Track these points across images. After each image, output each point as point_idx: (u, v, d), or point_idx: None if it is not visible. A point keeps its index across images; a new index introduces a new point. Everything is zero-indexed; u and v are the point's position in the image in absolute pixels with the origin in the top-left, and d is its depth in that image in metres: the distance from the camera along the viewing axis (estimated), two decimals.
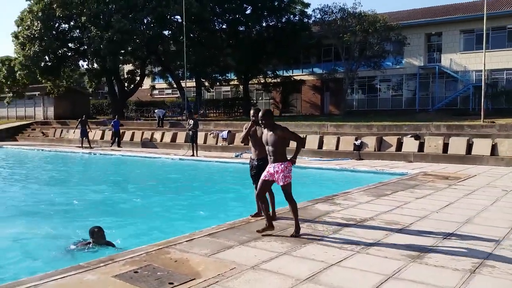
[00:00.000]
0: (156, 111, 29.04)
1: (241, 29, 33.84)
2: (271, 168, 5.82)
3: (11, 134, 32.78)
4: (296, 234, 5.81)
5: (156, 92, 47.31)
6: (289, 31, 32.15)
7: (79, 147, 24.35)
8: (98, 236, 6.51)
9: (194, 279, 4.33)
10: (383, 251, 5.25)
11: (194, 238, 5.75)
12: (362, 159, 16.52)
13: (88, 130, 24.84)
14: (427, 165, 14.58)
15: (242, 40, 32.50)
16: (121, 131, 25.43)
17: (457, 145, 15.48)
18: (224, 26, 34.20)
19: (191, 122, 18.94)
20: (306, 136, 19.06)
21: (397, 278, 4.38)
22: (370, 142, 17.20)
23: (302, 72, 37.82)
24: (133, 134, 25.90)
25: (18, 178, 15.50)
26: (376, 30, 28.66)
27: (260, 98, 41.23)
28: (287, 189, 5.81)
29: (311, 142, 18.61)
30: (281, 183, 5.77)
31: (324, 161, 16.49)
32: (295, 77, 37.56)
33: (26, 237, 7.44)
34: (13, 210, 9.72)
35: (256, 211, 6.97)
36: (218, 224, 6.55)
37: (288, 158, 5.85)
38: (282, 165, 5.73)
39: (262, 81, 37.33)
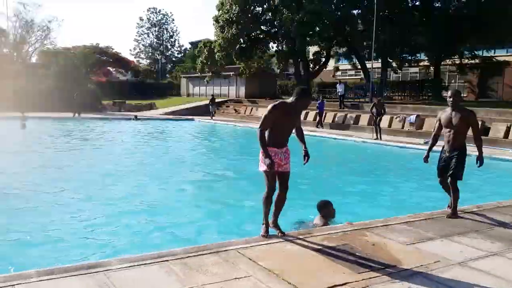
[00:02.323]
0: (337, 85, 28.31)
1: (437, 5, 31.21)
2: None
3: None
4: (264, 234, 4.86)
5: (339, 73, 47.23)
6: (495, 6, 28.29)
7: None
8: (326, 212, 6.04)
9: (395, 265, 4.15)
10: None
11: (390, 224, 5.54)
12: None
13: None
14: None
15: (437, 17, 29.94)
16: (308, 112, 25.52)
17: None
18: (417, 3, 32.03)
19: (376, 104, 18.63)
20: (511, 125, 16.75)
21: None
22: None
23: (507, 53, 33.21)
24: (316, 114, 26.35)
25: (224, 150, 17.26)
26: None
27: (453, 81, 37.67)
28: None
29: None
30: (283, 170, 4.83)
31: None
32: (497, 58, 33.23)
33: (239, 204, 8.14)
34: (226, 178, 10.79)
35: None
36: (406, 213, 6.15)
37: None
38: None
39: (457, 62, 33.99)
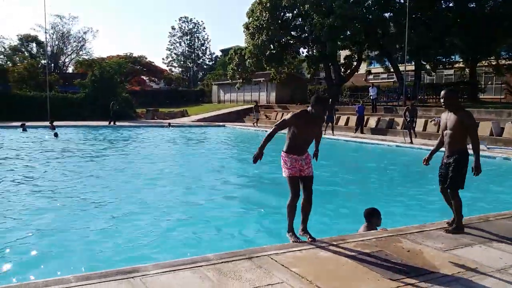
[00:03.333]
0: (370, 89, 27.88)
1: (471, 6, 30.41)
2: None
3: (240, 116, 36.93)
4: (295, 240, 4.91)
5: (371, 77, 46.65)
6: None
7: None
8: (375, 221, 5.67)
9: (432, 272, 4.07)
10: None
11: (425, 230, 5.43)
12: None
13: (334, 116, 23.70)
14: None
15: (471, 18, 29.19)
16: (336, 116, 25.02)
17: None
18: (451, 4, 31.31)
19: (410, 108, 18.46)
20: None
21: None
22: None
23: None
24: (348, 119, 26.13)
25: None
26: None
27: (490, 83, 36.57)
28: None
29: None
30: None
31: None
32: None
33: (272, 210, 8.17)
34: (258, 183, 10.83)
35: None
36: (442, 219, 5.96)
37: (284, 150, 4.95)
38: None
39: (494, 63, 32.98)
